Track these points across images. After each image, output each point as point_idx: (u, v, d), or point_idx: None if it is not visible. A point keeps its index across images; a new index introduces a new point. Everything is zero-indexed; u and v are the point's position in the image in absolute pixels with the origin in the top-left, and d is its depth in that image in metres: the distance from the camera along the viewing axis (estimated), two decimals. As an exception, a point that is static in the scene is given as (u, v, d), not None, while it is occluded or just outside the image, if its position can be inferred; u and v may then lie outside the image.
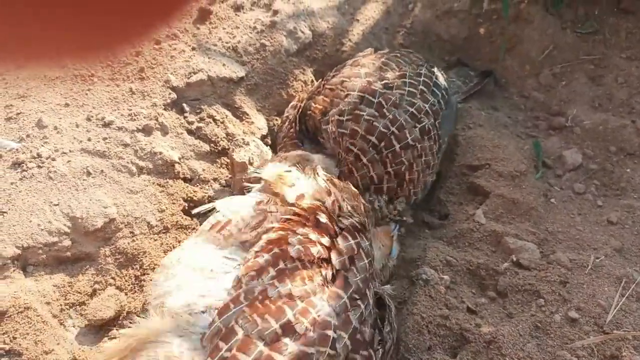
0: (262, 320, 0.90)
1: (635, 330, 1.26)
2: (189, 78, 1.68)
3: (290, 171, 1.22)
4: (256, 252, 1.01)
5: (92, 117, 1.54)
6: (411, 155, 1.47)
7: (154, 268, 1.34)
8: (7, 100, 1.54)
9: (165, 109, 1.62)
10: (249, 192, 1.24)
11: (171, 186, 1.52)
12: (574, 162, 1.79)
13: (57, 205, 1.37)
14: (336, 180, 1.26)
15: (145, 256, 1.37)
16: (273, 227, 1.06)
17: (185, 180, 1.56)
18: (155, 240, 1.42)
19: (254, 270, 0.97)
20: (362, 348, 0.98)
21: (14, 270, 1.28)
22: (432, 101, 1.56)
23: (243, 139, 1.64)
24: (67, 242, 1.34)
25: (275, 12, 1.92)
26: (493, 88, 2.10)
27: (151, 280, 1.25)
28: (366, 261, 1.09)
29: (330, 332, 0.93)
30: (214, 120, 1.68)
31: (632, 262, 1.47)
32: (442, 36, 2.21)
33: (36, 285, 1.29)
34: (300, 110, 1.59)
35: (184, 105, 1.67)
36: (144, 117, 1.57)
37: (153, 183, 1.50)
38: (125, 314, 1.30)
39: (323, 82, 1.63)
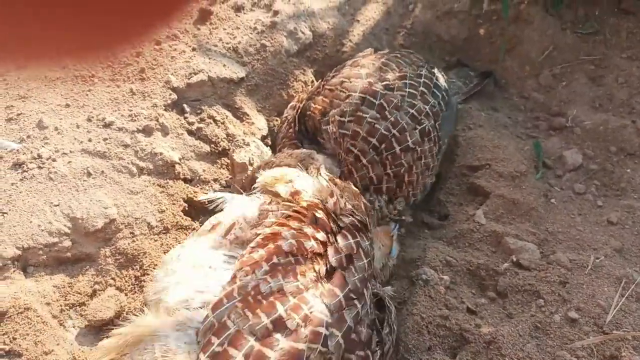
0: (254, 316, 0.91)
1: (634, 330, 1.26)
2: (189, 79, 1.69)
3: (287, 173, 1.22)
4: (252, 247, 1.02)
5: (93, 117, 1.54)
6: (411, 157, 1.48)
7: (154, 268, 1.34)
8: (8, 101, 1.54)
9: (165, 110, 1.62)
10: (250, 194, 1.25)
11: (171, 187, 1.52)
12: (574, 163, 1.79)
13: (58, 205, 1.37)
14: (337, 180, 1.26)
15: (146, 257, 1.37)
16: (271, 223, 1.06)
17: (185, 180, 1.56)
18: (156, 240, 1.42)
19: (248, 266, 0.98)
20: (357, 348, 0.98)
21: (14, 271, 1.28)
22: (432, 102, 1.56)
23: (243, 140, 1.64)
24: (67, 243, 1.34)
25: (276, 13, 1.92)
26: (493, 89, 2.10)
27: (151, 280, 1.25)
28: (365, 261, 1.08)
29: (322, 329, 0.93)
30: (215, 120, 1.68)
31: (632, 263, 1.47)
32: (442, 37, 2.21)
33: (36, 286, 1.29)
34: (300, 110, 1.59)
35: (185, 105, 1.67)
36: (145, 118, 1.57)
37: (153, 184, 1.50)
38: (125, 315, 1.30)
39: (322, 83, 1.63)
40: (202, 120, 1.67)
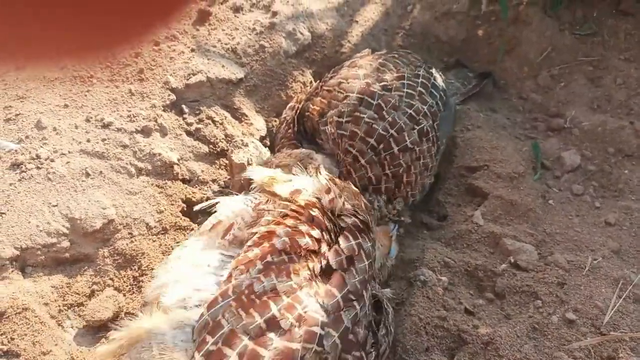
0: (247, 315, 0.91)
1: (632, 331, 1.27)
2: (188, 79, 1.69)
3: (281, 173, 1.22)
4: (248, 246, 1.02)
5: (91, 118, 1.54)
6: (409, 157, 1.48)
7: (152, 269, 1.34)
8: (7, 101, 1.54)
9: (164, 110, 1.62)
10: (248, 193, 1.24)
11: (170, 187, 1.52)
12: (572, 164, 1.79)
13: (56, 206, 1.37)
14: (337, 180, 1.26)
15: (144, 257, 1.37)
16: (268, 222, 1.06)
17: (184, 181, 1.56)
18: (154, 241, 1.42)
19: (243, 264, 0.97)
20: (354, 349, 0.98)
21: (12, 271, 1.28)
22: (430, 102, 1.56)
23: (242, 140, 1.64)
24: (65, 243, 1.34)
25: (275, 14, 1.93)
26: (491, 89, 2.10)
27: (150, 281, 1.25)
28: (366, 263, 1.08)
29: (316, 329, 0.92)
30: (213, 121, 1.68)
31: (629, 264, 1.47)
32: (440, 38, 2.22)
33: (34, 286, 1.29)
34: (298, 111, 1.59)
35: (183, 106, 1.67)
36: (143, 119, 1.57)
37: (152, 184, 1.50)
38: (123, 315, 1.30)
39: (321, 84, 1.63)
40: (200, 120, 1.67)
